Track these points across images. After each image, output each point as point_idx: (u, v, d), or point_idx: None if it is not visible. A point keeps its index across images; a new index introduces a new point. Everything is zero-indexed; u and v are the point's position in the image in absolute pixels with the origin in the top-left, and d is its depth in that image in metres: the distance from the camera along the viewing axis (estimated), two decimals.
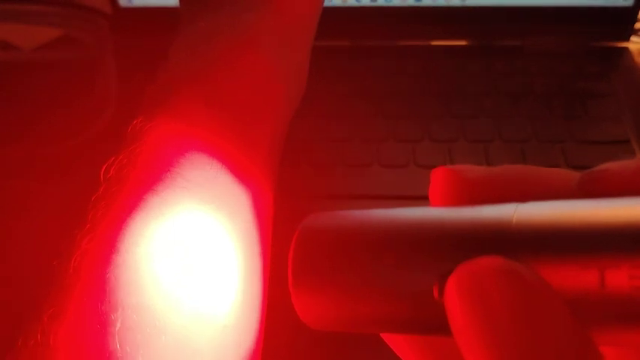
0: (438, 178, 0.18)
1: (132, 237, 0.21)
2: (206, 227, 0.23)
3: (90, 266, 0.21)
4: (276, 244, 0.28)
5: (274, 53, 0.29)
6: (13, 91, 0.52)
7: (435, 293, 0.15)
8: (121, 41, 0.55)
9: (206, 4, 0.30)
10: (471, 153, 0.45)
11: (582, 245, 0.13)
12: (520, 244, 0.14)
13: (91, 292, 0.20)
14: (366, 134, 0.47)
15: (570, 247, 0.13)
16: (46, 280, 0.21)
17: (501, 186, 0.17)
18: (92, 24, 0.57)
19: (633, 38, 0.53)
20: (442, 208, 0.17)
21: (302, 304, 0.17)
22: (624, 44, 0.53)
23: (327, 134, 0.47)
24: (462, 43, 0.55)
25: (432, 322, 0.16)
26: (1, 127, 0.49)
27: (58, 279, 0.21)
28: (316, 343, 0.33)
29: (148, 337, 0.20)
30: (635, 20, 0.52)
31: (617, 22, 0.52)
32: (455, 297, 0.13)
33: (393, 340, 0.19)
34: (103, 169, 0.23)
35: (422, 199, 0.42)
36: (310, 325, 0.18)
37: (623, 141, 0.45)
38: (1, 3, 0.58)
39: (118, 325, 0.20)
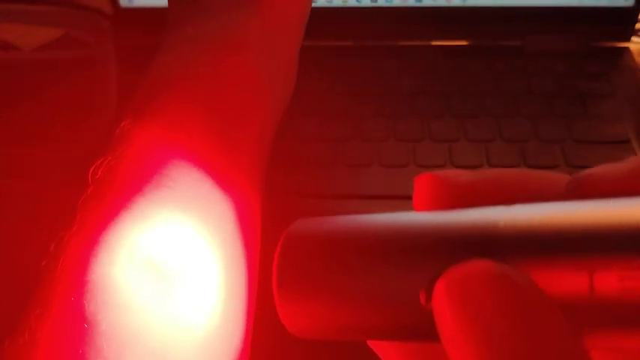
0: (423, 184, 0.17)
1: (118, 239, 0.22)
2: (190, 233, 0.23)
3: (77, 267, 0.21)
4: (274, 245, 0.27)
5: (260, 55, 0.29)
6: (13, 91, 0.52)
7: (422, 299, 0.14)
8: (122, 41, 0.55)
9: (194, 7, 0.30)
10: (472, 153, 0.45)
11: (571, 247, 0.13)
12: (508, 247, 0.14)
13: (77, 292, 0.20)
14: (366, 134, 0.47)
15: (559, 250, 0.13)
16: (36, 279, 0.22)
17: (488, 190, 0.16)
18: (93, 24, 0.57)
19: (634, 38, 0.53)
20: (429, 213, 0.16)
21: (287, 313, 0.17)
22: (625, 44, 0.53)
23: (327, 134, 0.47)
24: (463, 43, 0.55)
25: (420, 329, 0.15)
26: (1, 126, 0.49)
27: (45, 279, 0.21)
28: (306, 351, 0.33)
29: (135, 337, 0.20)
30: (635, 20, 0.52)
31: (618, 22, 0.52)
32: (444, 302, 0.13)
33: (381, 348, 0.19)
34: (90, 171, 0.23)
35: None
36: (296, 334, 0.18)
37: (623, 141, 0.45)
38: (1, 3, 0.58)
39: (105, 324, 0.20)
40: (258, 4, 0.30)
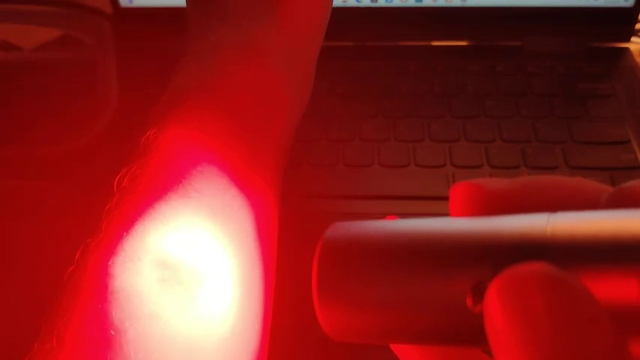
0: (458, 192, 0.17)
1: (144, 247, 0.22)
2: (213, 241, 0.23)
3: (103, 275, 0.21)
4: (279, 245, 0.28)
5: (280, 63, 0.29)
6: (13, 91, 0.52)
7: (469, 302, 0.15)
8: (122, 41, 0.55)
9: (215, 16, 0.30)
10: (472, 153, 0.45)
11: (619, 254, 0.13)
12: (555, 253, 0.14)
13: (104, 300, 0.21)
14: (366, 134, 0.47)
15: (607, 256, 0.13)
16: (50, 282, 0.22)
17: (525, 197, 0.16)
18: (93, 24, 0.57)
19: (634, 39, 0.53)
20: (469, 218, 0.16)
21: (328, 318, 0.17)
22: (625, 45, 0.53)
23: (327, 134, 0.47)
24: (463, 43, 0.55)
25: (462, 333, 0.15)
26: (1, 127, 0.49)
27: (72, 286, 0.21)
28: (324, 351, 0.33)
29: (161, 345, 0.21)
30: (635, 21, 0.52)
31: (618, 22, 0.52)
32: (496, 301, 0.13)
33: (401, 349, 0.19)
34: (116, 180, 0.24)
35: (422, 200, 0.42)
36: (336, 339, 0.18)
37: (624, 142, 0.45)
38: (2, 3, 0.58)
39: (132, 332, 0.20)
40: (279, 12, 0.30)
